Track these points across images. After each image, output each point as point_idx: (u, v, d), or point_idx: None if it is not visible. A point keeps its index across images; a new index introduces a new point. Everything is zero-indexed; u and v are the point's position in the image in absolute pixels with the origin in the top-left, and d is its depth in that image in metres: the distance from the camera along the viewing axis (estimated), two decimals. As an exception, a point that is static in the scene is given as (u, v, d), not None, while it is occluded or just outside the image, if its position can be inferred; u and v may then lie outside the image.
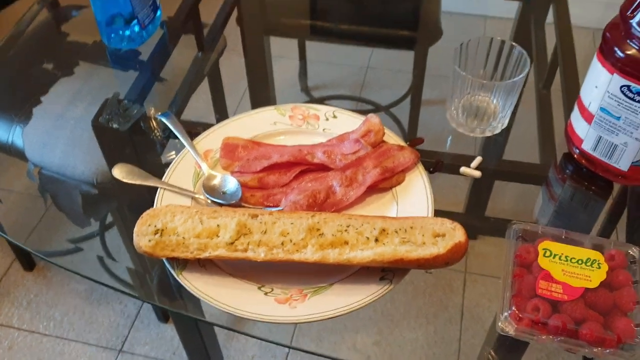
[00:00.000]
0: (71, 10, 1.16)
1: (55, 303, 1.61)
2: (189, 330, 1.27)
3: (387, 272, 0.64)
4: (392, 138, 0.78)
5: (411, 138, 0.81)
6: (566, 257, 0.63)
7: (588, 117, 0.72)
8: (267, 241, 0.63)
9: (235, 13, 1.12)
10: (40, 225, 0.81)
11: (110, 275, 0.74)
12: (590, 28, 1.03)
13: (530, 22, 1.12)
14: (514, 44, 0.80)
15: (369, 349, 0.73)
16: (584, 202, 0.78)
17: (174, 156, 0.77)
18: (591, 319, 0.59)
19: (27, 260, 1.66)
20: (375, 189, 0.73)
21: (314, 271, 0.65)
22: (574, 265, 0.62)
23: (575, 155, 0.77)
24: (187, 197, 0.72)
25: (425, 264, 0.62)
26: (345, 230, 0.64)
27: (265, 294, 0.64)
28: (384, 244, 0.63)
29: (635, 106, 0.67)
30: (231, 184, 0.73)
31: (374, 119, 0.77)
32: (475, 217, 0.79)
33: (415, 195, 0.72)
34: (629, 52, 0.65)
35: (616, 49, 0.66)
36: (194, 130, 0.80)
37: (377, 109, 0.94)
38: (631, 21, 0.65)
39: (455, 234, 0.63)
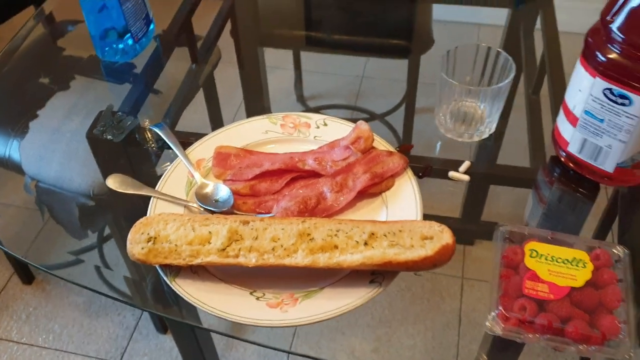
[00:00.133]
0: (67, 25, 1.17)
1: (54, 316, 1.62)
2: (187, 340, 1.28)
3: (377, 275, 0.65)
4: (382, 144, 0.79)
5: (405, 141, 0.82)
6: (552, 257, 0.64)
7: (573, 120, 0.74)
8: (258, 247, 0.64)
9: (230, 26, 1.14)
10: (39, 239, 0.82)
11: (108, 285, 0.75)
12: (577, 33, 1.04)
13: (520, 29, 1.13)
14: (500, 50, 0.81)
15: (367, 356, 0.73)
16: (571, 204, 0.79)
17: (168, 166, 0.78)
18: (577, 317, 0.60)
19: (25, 274, 1.67)
20: (365, 194, 0.74)
21: (304, 276, 0.66)
22: (559, 265, 0.63)
23: (562, 158, 0.78)
24: (180, 206, 0.73)
25: (413, 266, 0.63)
26: (335, 235, 0.65)
27: (257, 298, 0.65)
28: (373, 247, 0.64)
29: (618, 108, 0.68)
30: (223, 191, 0.74)
31: (364, 125, 0.79)
32: (472, 222, 0.80)
33: (405, 200, 0.73)
34: (610, 56, 0.67)
35: (598, 53, 0.68)
36: (187, 140, 0.81)
37: (372, 117, 0.95)
38: (611, 26, 0.66)
39: (443, 236, 0.64)
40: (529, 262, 0.64)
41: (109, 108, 0.90)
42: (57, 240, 0.83)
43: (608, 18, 0.67)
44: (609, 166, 0.73)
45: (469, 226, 0.79)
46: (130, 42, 0.94)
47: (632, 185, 0.77)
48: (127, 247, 0.65)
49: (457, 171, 0.79)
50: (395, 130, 0.91)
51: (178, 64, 1.05)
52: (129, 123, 0.86)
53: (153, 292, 0.74)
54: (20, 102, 0.98)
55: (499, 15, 1.17)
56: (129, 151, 0.87)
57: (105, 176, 0.79)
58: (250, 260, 0.64)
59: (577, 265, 0.63)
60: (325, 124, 0.82)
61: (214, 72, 1.04)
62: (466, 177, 0.78)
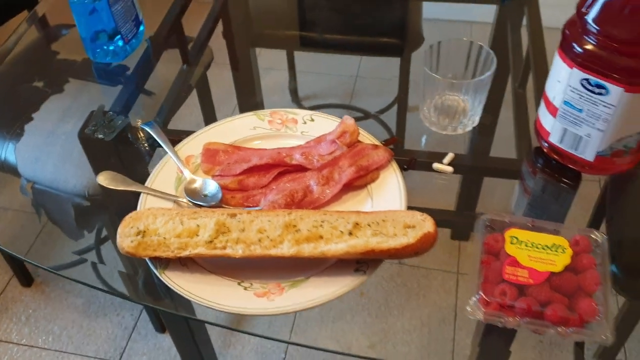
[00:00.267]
0: (61, 29, 1.19)
1: (53, 317, 1.64)
2: (184, 338, 1.29)
3: (362, 263, 0.67)
4: (367, 138, 0.81)
5: (398, 141, 0.84)
6: (532, 243, 0.65)
7: (553, 110, 0.75)
8: (245, 238, 0.66)
9: (222, 27, 1.15)
10: (38, 241, 0.83)
11: (106, 282, 0.76)
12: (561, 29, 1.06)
13: (507, 25, 1.15)
14: (482, 44, 0.83)
15: (364, 352, 0.74)
16: (554, 193, 0.81)
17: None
18: (556, 301, 0.61)
19: (24, 276, 1.68)
20: (350, 186, 0.76)
21: (291, 266, 0.67)
22: (539, 251, 0.65)
23: (545, 149, 0.80)
24: (170, 201, 0.75)
25: (396, 254, 0.64)
26: (321, 226, 0.67)
27: (245, 288, 0.66)
28: (357, 236, 0.65)
29: (595, 98, 0.70)
30: (211, 186, 0.75)
31: (349, 120, 0.80)
32: (467, 217, 0.81)
33: (389, 192, 0.75)
34: (586, 47, 0.68)
35: (574, 44, 0.69)
36: (178, 138, 0.83)
37: (366, 116, 0.96)
38: (586, 17, 0.68)
39: (425, 224, 0.66)
40: (510, 248, 0.65)
41: (100, 108, 0.92)
42: (56, 241, 0.84)
43: (583, 10, 0.69)
44: (589, 155, 0.75)
45: (459, 219, 0.81)
46: (120, 43, 0.96)
47: (613, 173, 0.78)
48: (117, 240, 0.67)
49: (442, 163, 0.81)
50: (389, 127, 0.92)
51: (169, 65, 1.06)
52: (119, 122, 0.88)
53: (150, 288, 0.75)
54: (15, 106, 1.00)
55: (491, 13, 1.19)
56: (121, 150, 0.88)
57: (97, 174, 0.80)
58: (237, 251, 0.65)
59: (556, 251, 0.64)
60: (312, 120, 0.84)
61: (209, 74, 1.05)
62: (450, 169, 0.80)
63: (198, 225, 0.67)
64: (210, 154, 0.79)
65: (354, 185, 0.76)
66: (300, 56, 1.14)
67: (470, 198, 0.83)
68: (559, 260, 0.64)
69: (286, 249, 0.65)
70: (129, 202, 0.75)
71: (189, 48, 1.09)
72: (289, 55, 1.14)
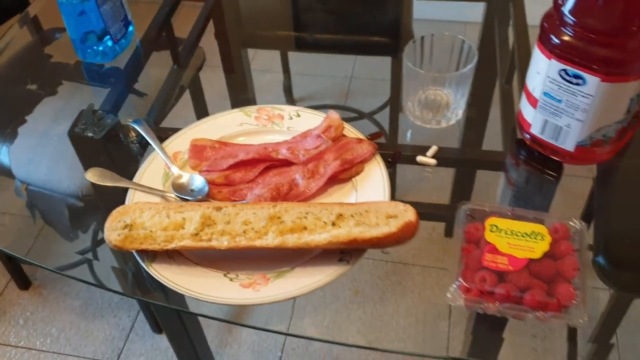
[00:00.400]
0: (55, 32, 1.20)
1: (51, 320, 1.65)
2: (179, 338, 1.30)
3: (345, 253, 0.68)
4: (352, 132, 0.82)
5: (391, 139, 0.85)
6: (512, 231, 0.66)
7: (534, 102, 0.77)
8: (230, 230, 0.67)
9: (215, 28, 1.16)
10: (36, 242, 0.84)
11: (100, 280, 0.77)
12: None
13: (494, 22, 1.17)
14: (463, 39, 0.84)
15: (360, 347, 0.75)
16: (538, 184, 0.82)
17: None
18: (535, 287, 0.62)
19: (22, 280, 1.70)
20: (335, 179, 0.77)
21: (276, 257, 0.68)
22: (519, 239, 0.66)
23: (527, 141, 0.81)
24: (157, 197, 0.76)
25: (378, 243, 0.66)
26: (305, 217, 0.68)
27: (231, 280, 0.67)
28: (340, 227, 0.66)
29: (574, 88, 0.71)
30: (198, 181, 0.77)
31: (334, 115, 0.82)
32: (450, 208, 0.82)
33: (373, 184, 0.76)
34: (563, 38, 0.70)
35: (552, 36, 0.71)
36: (167, 136, 0.84)
37: (360, 116, 0.97)
38: (562, 9, 0.69)
39: (407, 214, 0.67)
40: (489, 236, 0.66)
41: (90, 107, 0.93)
42: (52, 243, 0.85)
43: (559, 2, 0.70)
44: (569, 145, 0.76)
45: (443, 211, 0.82)
46: (109, 43, 0.97)
47: (593, 163, 0.80)
48: (104, 234, 0.68)
49: (426, 156, 0.82)
50: (382, 127, 0.93)
51: (161, 65, 1.07)
52: (109, 121, 0.90)
53: (148, 284, 0.76)
54: (9, 109, 1.01)
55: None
56: (110, 148, 0.90)
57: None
58: (222, 243, 0.66)
59: (535, 239, 0.66)
60: (298, 115, 0.85)
61: (202, 76, 1.06)
62: (433, 161, 0.81)
63: (184, 219, 0.68)
64: (198, 150, 0.81)
65: (339, 178, 0.77)
66: (295, 58, 1.15)
67: (463, 191, 0.84)
68: (537, 247, 0.65)
69: (270, 240, 0.66)
70: (122, 200, 0.77)
71: (180, 49, 1.11)
72: (283, 57, 1.16)
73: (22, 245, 0.84)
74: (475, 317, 0.68)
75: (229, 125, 0.84)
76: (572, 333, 0.66)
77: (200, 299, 0.65)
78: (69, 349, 1.59)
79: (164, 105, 0.99)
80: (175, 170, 0.79)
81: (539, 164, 0.81)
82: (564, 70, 0.70)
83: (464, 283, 0.63)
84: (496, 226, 0.67)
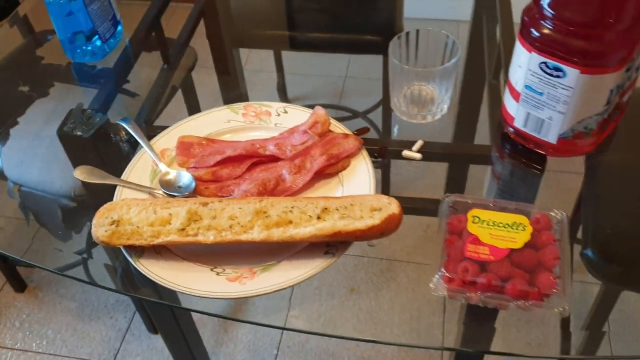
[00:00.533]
0: (46, 34, 1.21)
1: (47, 322, 1.65)
2: (174, 337, 1.31)
3: (331, 246, 0.69)
4: (338, 128, 0.83)
5: (384, 136, 0.86)
6: (493, 222, 0.67)
7: (516, 95, 0.78)
8: (216, 225, 0.68)
9: (206, 28, 1.17)
10: (34, 243, 0.85)
11: (95, 279, 0.78)
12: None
13: (482, 19, 1.18)
14: (448, 34, 0.85)
15: (358, 345, 0.75)
16: (522, 176, 0.83)
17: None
18: (517, 276, 0.63)
19: (18, 282, 1.70)
20: (322, 174, 0.78)
21: (262, 251, 0.69)
22: (500, 229, 0.67)
23: (511, 134, 0.82)
24: (145, 193, 0.77)
25: (362, 235, 0.66)
26: (290, 211, 0.69)
27: (218, 274, 0.68)
28: (325, 220, 0.67)
29: (554, 81, 0.72)
30: (185, 178, 0.78)
31: (320, 110, 0.83)
32: (434, 202, 0.83)
33: (359, 179, 0.77)
34: (543, 31, 0.71)
35: (532, 29, 0.72)
36: (154, 134, 0.85)
37: (354, 115, 0.98)
38: (542, 2, 0.70)
39: (390, 207, 0.68)
40: (472, 227, 0.67)
41: (79, 106, 0.94)
42: (48, 244, 0.86)
43: (539, -5, 0.71)
44: (552, 137, 0.77)
45: (429, 204, 0.83)
46: (98, 43, 0.98)
47: (576, 155, 0.80)
48: (92, 230, 0.69)
49: (411, 150, 0.83)
50: (376, 126, 0.94)
51: (151, 65, 1.08)
52: (98, 119, 0.90)
53: (145, 283, 0.77)
54: (1, 110, 1.02)
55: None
56: (100, 146, 0.90)
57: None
58: (209, 237, 0.67)
59: (517, 229, 0.66)
60: (286, 112, 0.86)
61: (194, 76, 1.06)
62: (418, 156, 0.82)
63: (170, 214, 0.69)
64: (185, 147, 0.82)
65: (325, 173, 0.78)
66: (290, 58, 1.16)
67: (455, 185, 0.85)
68: (519, 238, 0.66)
69: (256, 234, 0.67)
70: (112, 198, 0.77)
71: (170, 50, 1.12)
72: (276, 57, 1.16)
73: (18, 247, 0.85)
74: (467, 309, 0.68)
75: (217, 122, 0.85)
76: (565, 325, 0.67)
77: (187, 293, 0.66)
78: (65, 351, 1.59)
79: (155, 105, 1.00)
80: (162, 167, 0.79)
81: (522, 156, 0.82)
82: (544, 63, 0.71)
83: (446, 273, 0.64)
84: (478, 217, 0.68)
